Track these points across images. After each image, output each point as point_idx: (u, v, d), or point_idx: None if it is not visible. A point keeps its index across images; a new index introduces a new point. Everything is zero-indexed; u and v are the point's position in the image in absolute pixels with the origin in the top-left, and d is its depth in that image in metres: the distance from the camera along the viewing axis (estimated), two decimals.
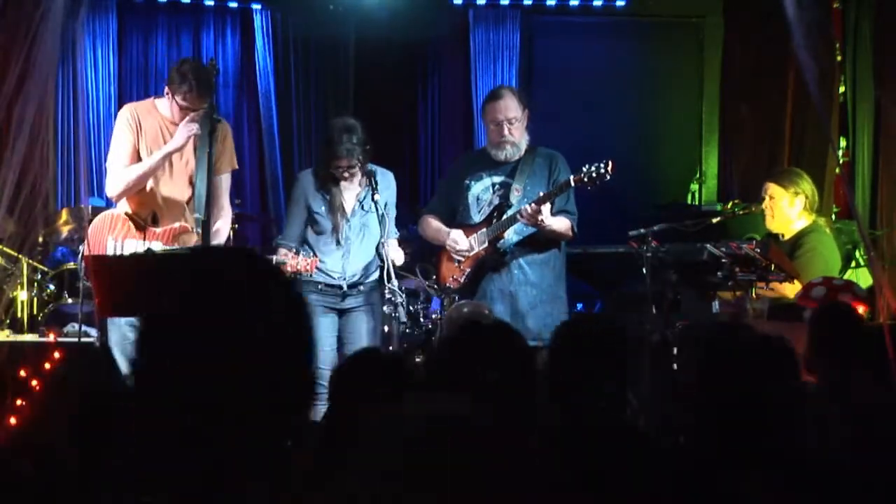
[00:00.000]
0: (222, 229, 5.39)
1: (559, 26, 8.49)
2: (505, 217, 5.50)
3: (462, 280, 5.64)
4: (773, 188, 6.03)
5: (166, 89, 5.33)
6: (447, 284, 5.74)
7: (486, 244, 5.54)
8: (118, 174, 5.23)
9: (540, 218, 5.33)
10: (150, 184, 5.36)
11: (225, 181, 5.48)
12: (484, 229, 5.56)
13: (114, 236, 5.31)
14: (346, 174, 5.49)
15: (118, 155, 5.28)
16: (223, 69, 7.66)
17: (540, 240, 5.52)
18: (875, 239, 6.75)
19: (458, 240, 5.62)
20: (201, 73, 5.29)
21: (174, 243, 5.33)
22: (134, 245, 5.28)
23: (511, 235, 5.53)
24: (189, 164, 5.42)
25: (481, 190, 5.66)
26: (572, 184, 5.37)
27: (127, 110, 5.41)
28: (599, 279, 6.83)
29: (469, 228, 5.65)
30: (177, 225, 5.36)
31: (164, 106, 5.39)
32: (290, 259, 5.32)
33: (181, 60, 5.54)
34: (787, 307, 5.47)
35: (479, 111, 8.15)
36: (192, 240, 5.39)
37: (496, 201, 5.60)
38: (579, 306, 7.12)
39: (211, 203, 5.12)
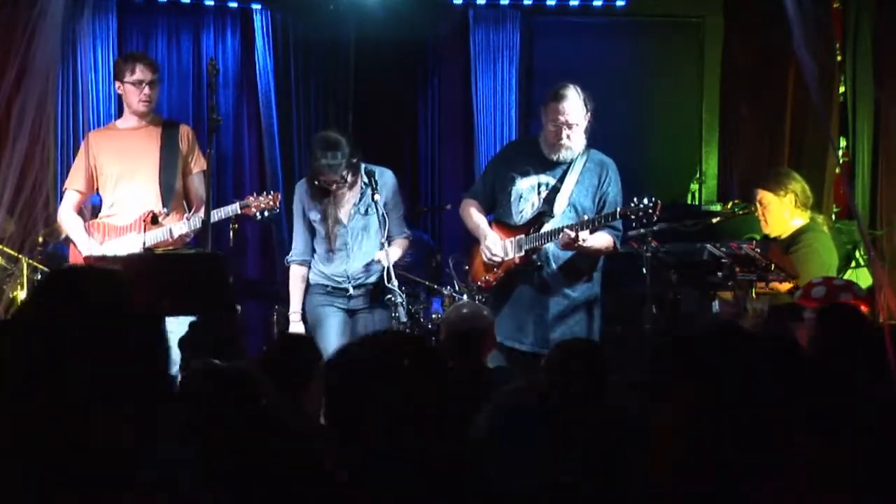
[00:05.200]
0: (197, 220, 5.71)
1: (559, 26, 8.49)
2: (543, 231, 5.39)
3: (494, 284, 5.58)
4: (762, 194, 6.04)
5: (118, 86, 5.86)
6: (478, 283, 5.67)
7: (521, 253, 5.46)
8: (66, 208, 5.84)
9: (577, 244, 5.27)
10: (121, 185, 5.79)
11: (197, 179, 5.88)
12: (522, 237, 5.45)
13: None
14: (333, 187, 5.50)
15: (70, 179, 5.93)
16: (223, 69, 7.66)
17: (578, 254, 5.42)
18: (875, 239, 6.75)
19: (492, 247, 5.52)
20: (143, 52, 6.17)
21: (151, 229, 5.66)
22: (115, 245, 5.67)
23: (548, 246, 5.43)
24: (155, 165, 5.77)
25: (527, 188, 5.54)
26: (618, 216, 5.30)
27: (86, 140, 5.98)
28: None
29: (506, 230, 5.56)
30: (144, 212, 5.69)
31: (125, 120, 5.95)
32: (252, 201, 5.59)
33: (120, 55, 6.47)
34: (787, 307, 5.47)
35: (479, 111, 8.19)
36: (170, 220, 5.59)
37: (539, 206, 5.48)
38: None
39: (209, 203, 5.20)
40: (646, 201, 5.17)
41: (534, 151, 5.56)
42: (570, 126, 5.38)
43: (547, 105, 5.48)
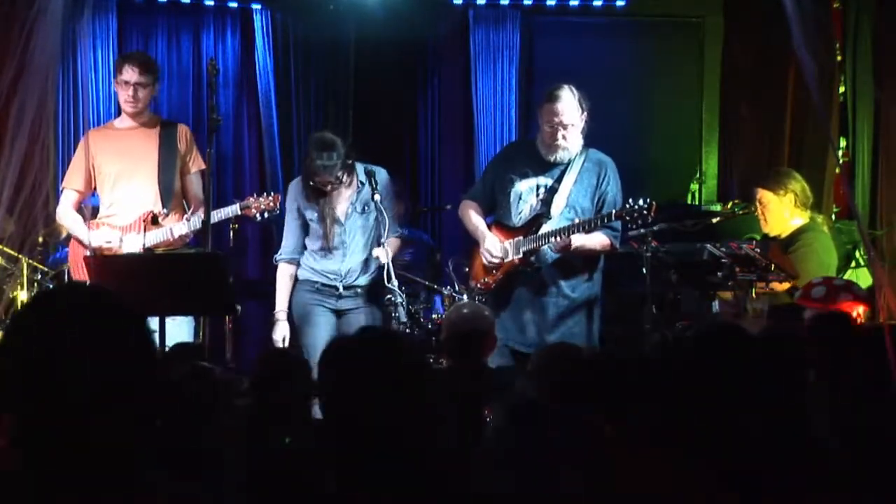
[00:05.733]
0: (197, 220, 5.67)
1: (559, 26, 8.48)
2: (541, 232, 5.39)
3: (493, 286, 5.57)
4: (762, 193, 6.04)
5: (115, 85, 5.84)
6: (478, 286, 5.66)
7: (520, 255, 5.44)
8: (64, 207, 5.81)
9: (571, 248, 5.27)
10: (120, 185, 5.77)
11: (195, 179, 5.85)
12: (520, 238, 5.44)
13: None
14: (327, 188, 5.49)
15: (68, 178, 5.89)
16: (223, 69, 7.65)
17: (576, 257, 5.41)
18: (875, 239, 6.75)
19: (491, 249, 5.51)
20: (142, 53, 6.09)
21: (151, 228, 5.65)
22: (108, 237, 5.65)
23: (546, 248, 5.41)
24: (154, 165, 5.75)
25: (526, 190, 5.53)
26: (613, 218, 5.30)
27: (84, 138, 5.95)
28: None
29: (505, 231, 5.56)
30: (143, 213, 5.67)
31: (122, 120, 5.92)
32: (252, 202, 5.57)
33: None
34: (787, 307, 5.47)
35: (479, 111, 8.19)
36: (170, 220, 5.58)
37: (538, 208, 5.48)
38: None
39: (209, 203, 5.20)
40: (641, 203, 5.16)
41: (532, 153, 5.56)
42: (565, 127, 5.38)
43: (542, 106, 5.48)
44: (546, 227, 5.40)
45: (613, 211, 5.28)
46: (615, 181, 5.48)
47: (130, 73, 5.69)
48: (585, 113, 5.44)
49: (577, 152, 5.46)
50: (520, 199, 5.54)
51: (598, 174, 5.46)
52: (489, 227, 5.65)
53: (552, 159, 5.46)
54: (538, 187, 5.50)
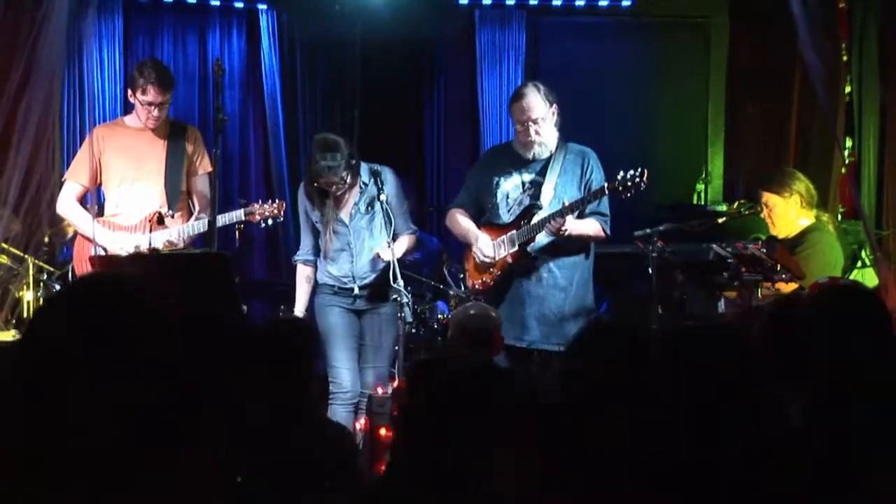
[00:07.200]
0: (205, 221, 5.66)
1: (565, 26, 8.49)
2: (534, 222, 5.40)
3: (491, 284, 5.57)
4: (767, 196, 6.01)
5: (130, 94, 5.74)
6: (476, 285, 5.66)
7: (515, 249, 5.46)
8: (67, 198, 5.73)
9: (564, 230, 5.29)
10: (126, 185, 5.75)
11: (202, 181, 5.84)
12: (513, 232, 5.46)
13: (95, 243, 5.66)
14: (332, 188, 5.49)
15: (72, 171, 5.81)
16: (229, 69, 7.67)
17: (570, 243, 5.43)
18: (881, 239, 6.74)
19: (484, 249, 5.53)
20: (160, 67, 5.79)
21: (156, 229, 5.64)
22: (118, 241, 5.62)
23: (541, 239, 5.43)
24: (161, 165, 5.75)
25: (511, 188, 5.56)
26: (606, 192, 5.32)
27: (93, 132, 5.90)
28: (605, 279, 6.81)
29: (497, 229, 5.56)
30: (149, 213, 5.65)
31: (132, 119, 5.84)
32: (256, 209, 5.59)
33: (140, 62, 6.03)
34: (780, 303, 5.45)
35: (484, 111, 8.20)
36: (176, 222, 5.58)
37: (526, 201, 5.50)
38: (604, 307, 7.04)
39: (215, 204, 5.21)
40: (632, 171, 5.19)
41: (511, 154, 5.61)
42: (535, 122, 5.43)
43: (510, 108, 5.58)
44: (538, 218, 5.42)
45: (606, 184, 5.31)
46: (599, 168, 5.52)
47: (154, 95, 5.62)
48: (555, 105, 5.48)
49: (554, 146, 5.50)
50: (507, 197, 5.57)
51: (581, 164, 5.50)
52: (479, 228, 5.66)
53: (531, 156, 5.52)
54: (523, 184, 5.54)
